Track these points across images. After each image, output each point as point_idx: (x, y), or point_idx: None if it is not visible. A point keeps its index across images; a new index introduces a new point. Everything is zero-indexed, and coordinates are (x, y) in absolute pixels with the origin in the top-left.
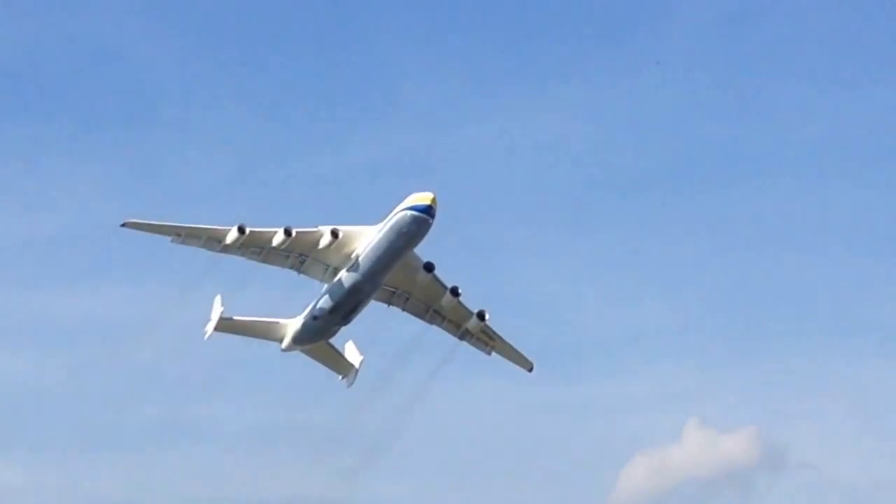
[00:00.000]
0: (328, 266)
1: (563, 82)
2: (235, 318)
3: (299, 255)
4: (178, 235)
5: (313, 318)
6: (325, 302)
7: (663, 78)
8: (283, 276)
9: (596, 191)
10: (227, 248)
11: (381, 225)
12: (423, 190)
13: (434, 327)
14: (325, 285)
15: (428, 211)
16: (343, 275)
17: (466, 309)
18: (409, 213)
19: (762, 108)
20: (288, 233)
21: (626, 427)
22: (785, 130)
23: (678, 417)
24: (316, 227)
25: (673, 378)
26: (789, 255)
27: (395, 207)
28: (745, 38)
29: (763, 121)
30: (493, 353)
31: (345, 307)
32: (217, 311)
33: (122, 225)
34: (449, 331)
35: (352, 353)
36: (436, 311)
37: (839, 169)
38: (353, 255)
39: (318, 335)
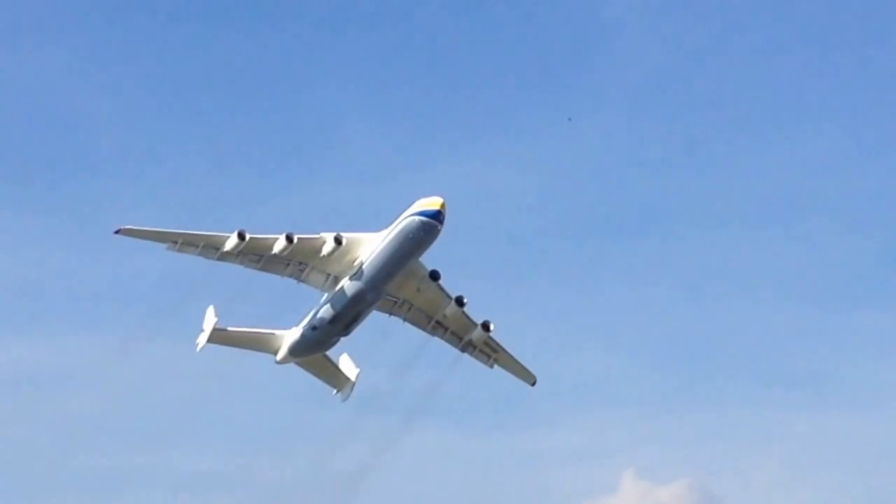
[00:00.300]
0: (329, 274)
1: (501, 130)
2: (230, 329)
3: (299, 262)
4: (175, 242)
5: (312, 328)
6: (325, 311)
7: (604, 126)
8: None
9: (533, 238)
10: (224, 256)
11: (386, 231)
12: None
13: (435, 339)
14: (326, 294)
15: (437, 216)
16: (345, 283)
17: (470, 320)
18: (418, 218)
19: (703, 157)
20: (290, 239)
21: (562, 479)
22: (725, 180)
23: (614, 469)
24: (318, 233)
25: (609, 428)
26: (727, 306)
27: (400, 214)
28: (686, 87)
29: (704, 170)
30: (496, 366)
31: (346, 317)
32: (210, 321)
33: (116, 232)
34: (451, 342)
35: (347, 367)
36: (438, 323)
37: (778, 219)
38: (356, 263)
39: (316, 346)
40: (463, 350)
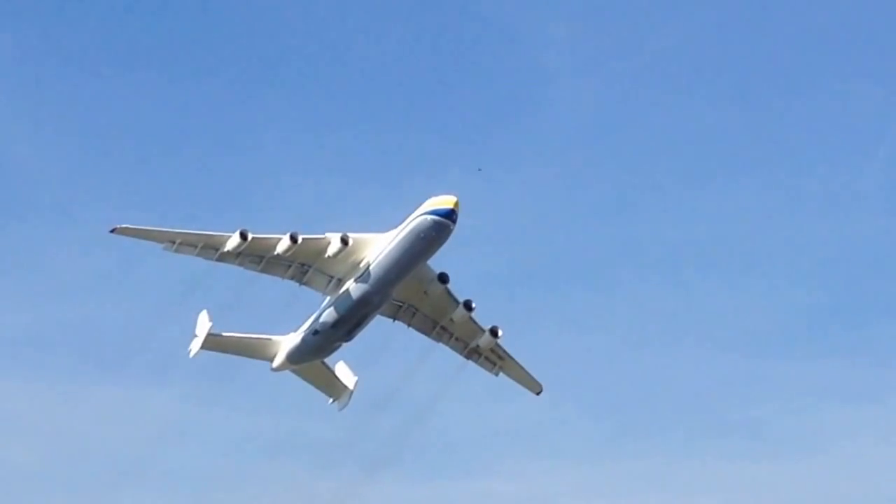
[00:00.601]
0: (332, 277)
1: (434, 179)
2: (225, 334)
3: (302, 264)
4: (172, 242)
5: (314, 332)
6: (328, 315)
7: (537, 174)
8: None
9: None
10: (224, 257)
11: (396, 231)
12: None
13: (440, 345)
14: (328, 298)
15: (450, 215)
16: (351, 285)
17: (478, 325)
18: (430, 217)
19: (638, 204)
20: (294, 239)
21: None
22: (661, 228)
23: None
24: (323, 234)
25: (546, 477)
26: (663, 354)
27: (410, 213)
28: (621, 135)
29: (639, 218)
30: (501, 374)
31: (350, 321)
32: (204, 326)
33: (112, 231)
34: (456, 349)
35: (344, 375)
36: (443, 328)
37: (712, 267)
38: (361, 265)
39: (316, 352)
40: (468, 357)
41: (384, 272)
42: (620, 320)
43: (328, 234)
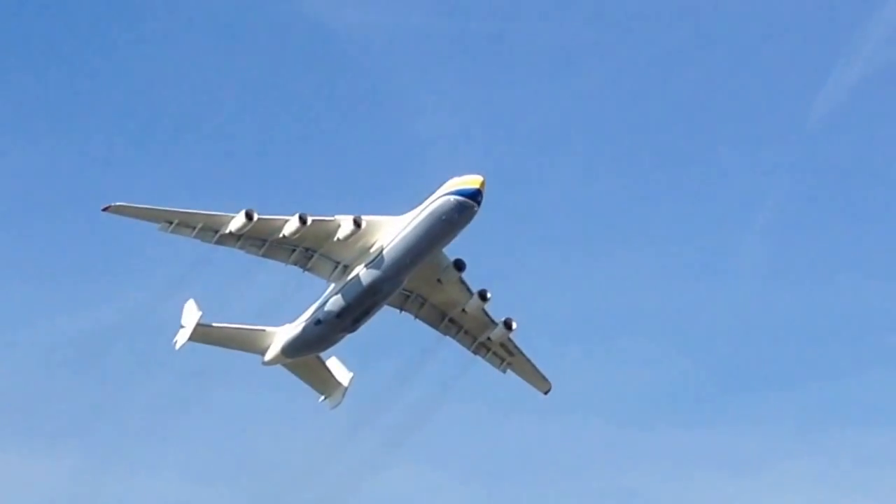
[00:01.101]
0: (338, 263)
1: None
2: (215, 325)
3: (307, 249)
4: (170, 223)
5: (316, 322)
6: (334, 303)
7: None
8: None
9: None
10: (224, 239)
11: (413, 213)
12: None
13: (446, 339)
14: (332, 285)
15: (475, 196)
16: (361, 271)
17: (490, 317)
18: (453, 198)
19: (518, 274)
20: (303, 220)
21: None
22: (542, 297)
23: None
24: (333, 216)
25: None
26: (536, 421)
27: (430, 195)
28: (500, 204)
29: (519, 287)
30: (509, 371)
31: (357, 310)
32: (193, 316)
33: (105, 209)
34: (463, 343)
35: (338, 370)
36: (451, 320)
37: (588, 336)
38: (373, 249)
39: (315, 345)
40: (475, 352)
41: (399, 257)
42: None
43: (338, 217)
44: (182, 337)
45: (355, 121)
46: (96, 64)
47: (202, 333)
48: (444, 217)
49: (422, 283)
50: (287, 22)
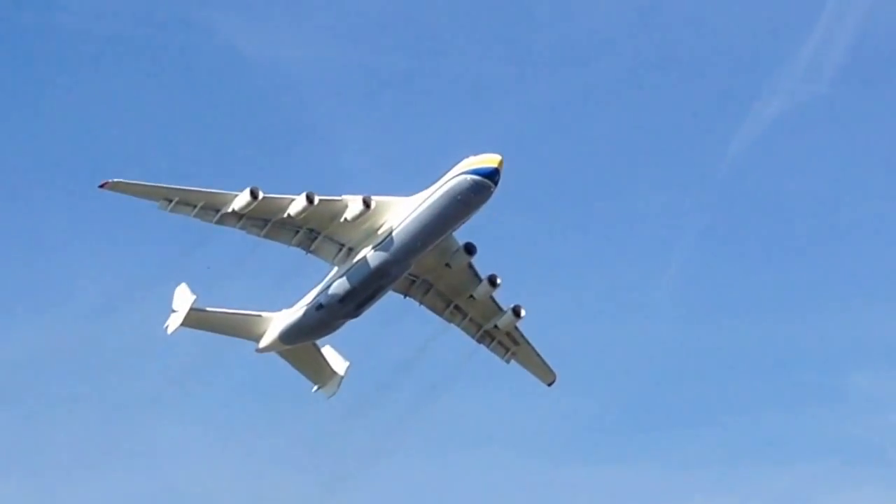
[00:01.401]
0: (342, 245)
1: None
2: (209, 309)
3: (311, 230)
4: (169, 200)
5: (318, 306)
6: (338, 286)
7: None
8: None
9: None
10: (225, 219)
11: (425, 194)
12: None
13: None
14: (336, 268)
15: (493, 175)
16: (367, 253)
17: (498, 304)
18: (470, 177)
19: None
20: (310, 200)
21: None
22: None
23: None
24: (341, 196)
25: None
26: (459, 461)
27: (444, 175)
28: None
29: None
30: (513, 361)
31: (362, 294)
32: (186, 300)
33: (101, 186)
34: (468, 331)
35: (334, 359)
36: (457, 308)
37: (503, 377)
38: (381, 231)
39: (315, 331)
40: (480, 341)
41: (410, 238)
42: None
43: (346, 197)
44: (174, 322)
45: (273, 153)
46: None
47: (195, 318)
48: (459, 197)
49: (429, 267)
50: (203, 51)
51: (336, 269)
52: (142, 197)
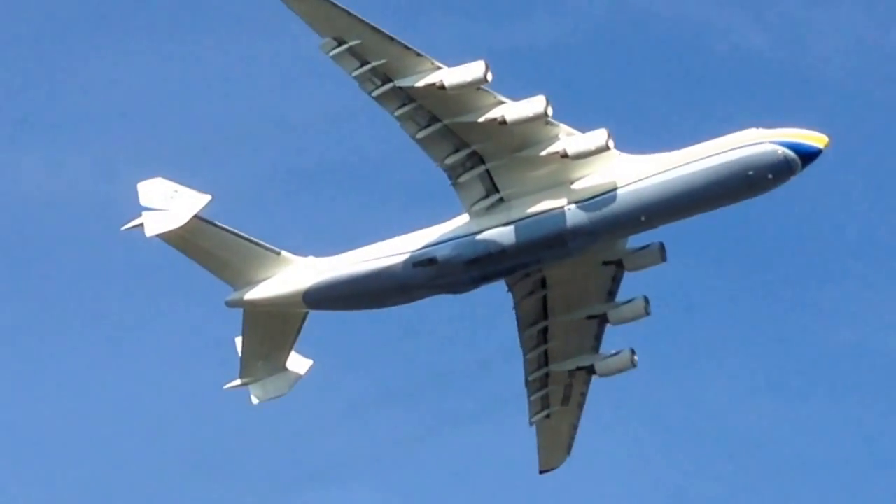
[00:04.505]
0: (497, 190)
1: None
2: (218, 224)
3: (482, 155)
4: (342, 41)
5: (425, 262)
6: (496, 238)
7: None
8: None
9: None
10: (389, 96)
11: (689, 153)
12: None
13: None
14: (471, 219)
15: (813, 157)
16: (564, 207)
17: (600, 338)
18: (782, 150)
19: None
20: (546, 113)
21: None
22: None
23: None
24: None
25: None
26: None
27: (714, 140)
28: None
29: None
30: (535, 426)
31: (508, 261)
32: (196, 201)
33: None
34: (529, 366)
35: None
36: (542, 331)
37: None
38: (591, 184)
39: (379, 298)
40: (530, 385)
41: (639, 206)
42: None
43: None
44: (163, 224)
45: None
46: None
47: (192, 231)
48: (752, 172)
49: (576, 261)
50: None
51: (469, 220)
52: (311, 20)
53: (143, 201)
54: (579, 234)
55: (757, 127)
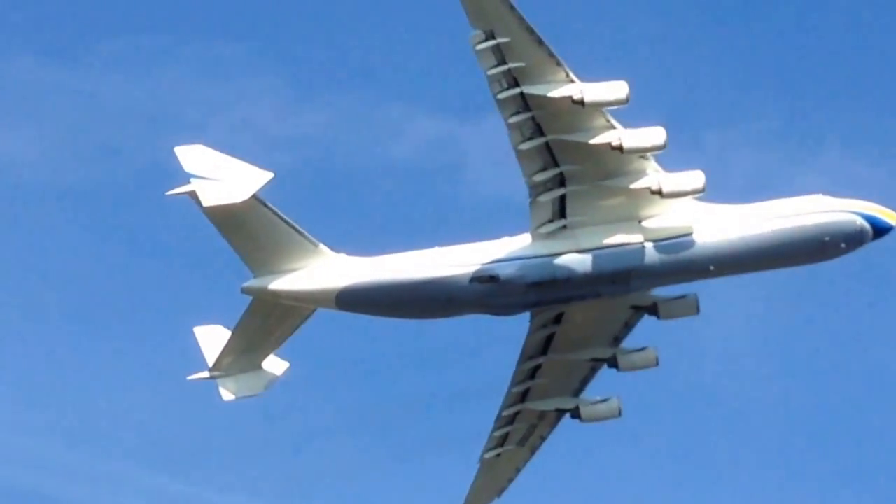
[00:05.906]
0: (564, 216)
1: None
2: (270, 206)
3: (580, 177)
4: (492, 35)
5: (486, 278)
6: (571, 265)
7: None
8: None
9: None
10: (509, 102)
11: (772, 209)
12: None
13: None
14: (536, 242)
15: (885, 232)
16: (641, 244)
17: (586, 381)
18: (861, 221)
19: None
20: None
21: None
22: None
23: None
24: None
25: None
26: None
27: (790, 200)
28: None
29: None
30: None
31: (569, 290)
32: (258, 179)
33: None
34: (509, 398)
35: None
36: (534, 368)
37: None
38: (668, 225)
39: (423, 308)
40: (501, 424)
41: (711, 254)
42: None
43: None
44: (222, 195)
45: None
46: None
47: (245, 208)
48: (828, 238)
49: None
50: None
51: (531, 241)
52: (472, 9)
53: (187, 168)
54: (646, 274)
55: (823, 193)
